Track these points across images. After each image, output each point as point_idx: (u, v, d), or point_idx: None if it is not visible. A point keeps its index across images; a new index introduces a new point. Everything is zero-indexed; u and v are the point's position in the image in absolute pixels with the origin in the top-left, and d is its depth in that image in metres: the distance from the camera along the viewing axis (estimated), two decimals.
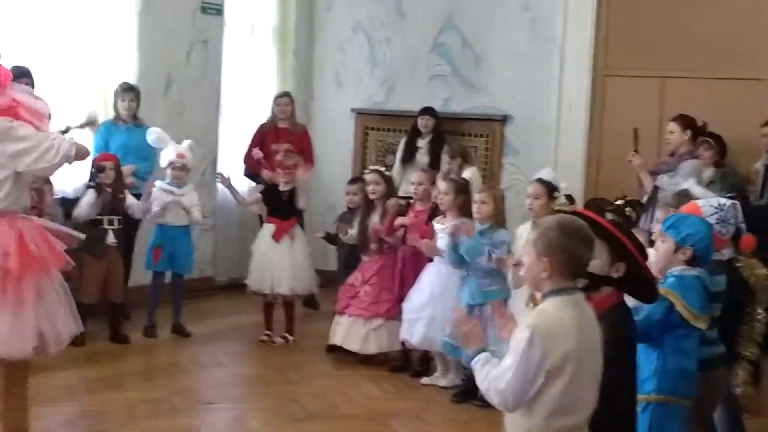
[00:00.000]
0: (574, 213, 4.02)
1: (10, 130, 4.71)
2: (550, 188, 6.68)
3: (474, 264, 6.78)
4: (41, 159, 4.78)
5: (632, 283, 3.90)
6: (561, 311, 3.34)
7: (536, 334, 3.27)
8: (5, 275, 4.65)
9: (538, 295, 3.49)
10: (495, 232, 6.79)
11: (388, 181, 7.88)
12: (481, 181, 9.31)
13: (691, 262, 4.37)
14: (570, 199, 6.84)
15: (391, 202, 7.69)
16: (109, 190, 7.74)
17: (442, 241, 7.06)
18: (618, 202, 6.20)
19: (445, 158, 9.53)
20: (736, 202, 4.91)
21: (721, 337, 4.73)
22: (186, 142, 8.34)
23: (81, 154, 4.94)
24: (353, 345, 7.64)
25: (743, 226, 4.90)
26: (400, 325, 7.45)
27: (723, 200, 4.87)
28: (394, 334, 7.53)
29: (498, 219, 6.86)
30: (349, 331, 7.65)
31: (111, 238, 7.75)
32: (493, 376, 3.37)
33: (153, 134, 8.22)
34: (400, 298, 7.44)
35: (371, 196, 7.75)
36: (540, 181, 6.76)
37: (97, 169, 7.74)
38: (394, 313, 7.53)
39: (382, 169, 8.03)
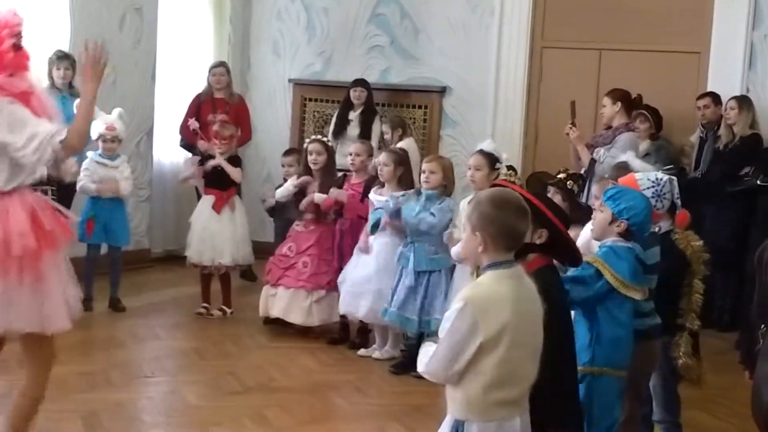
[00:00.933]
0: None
1: (7, 111, 4.52)
2: (492, 159, 6.68)
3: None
4: (24, 153, 4.48)
5: (555, 249, 4.04)
6: (497, 284, 3.36)
7: (468, 305, 3.30)
8: (22, 255, 4.53)
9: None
10: (441, 200, 6.80)
11: (330, 151, 7.78)
12: (418, 152, 9.28)
13: (624, 235, 4.40)
14: (512, 170, 6.85)
15: (339, 193, 7.57)
16: None
17: (378, 212, 7.05)
18: (560, 176, 6.23)
19: (385, 129, 9.46)
20: (673, 177, 4.96)
21: (657, 309, 4.77)
22: (116, 111, 8.14)
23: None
24: (296, 318, 7.57)
25: (678, 201, 4.95)
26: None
27: (661, 175, 4.92)
28: (334, 305, 7.50)
29: (447, 188, 6.88)
30: (290, 303, 7.58)
31: None
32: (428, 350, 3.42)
33: None
34: (339, 271, 7.40)
35: (312, 166, 7.63)
36: (481, 152, 6.74)
37: None
38: (334, 285, 7.49)
39: (325, 139, 7.96)
